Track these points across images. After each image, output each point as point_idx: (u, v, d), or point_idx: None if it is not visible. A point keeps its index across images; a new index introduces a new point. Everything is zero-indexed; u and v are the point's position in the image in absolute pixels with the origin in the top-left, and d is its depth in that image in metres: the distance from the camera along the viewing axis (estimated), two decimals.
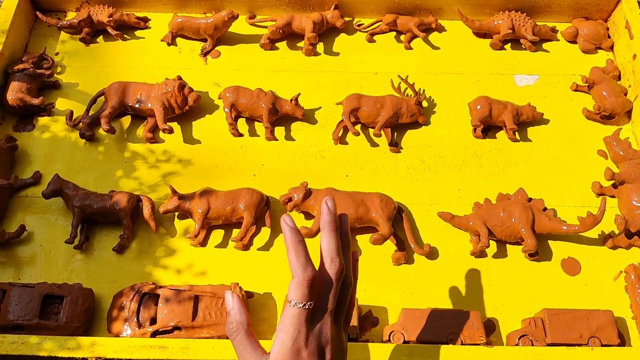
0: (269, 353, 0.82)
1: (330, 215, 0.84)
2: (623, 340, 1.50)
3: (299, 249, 0.81)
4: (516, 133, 1.87)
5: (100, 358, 1.40)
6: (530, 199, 1.73)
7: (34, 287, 1.51)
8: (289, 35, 2.04)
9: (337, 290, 0.83)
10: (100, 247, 1.67)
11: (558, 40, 2.10)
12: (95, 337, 1.42)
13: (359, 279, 1.62)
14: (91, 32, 2.03)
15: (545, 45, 2.08)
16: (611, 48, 2.06)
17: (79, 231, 1.65)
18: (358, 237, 1.70)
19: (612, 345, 1.46)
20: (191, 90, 1.84)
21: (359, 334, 1.46)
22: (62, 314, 1.48)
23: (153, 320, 1.49)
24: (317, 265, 0.89)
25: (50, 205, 1.72)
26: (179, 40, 2.06)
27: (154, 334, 1.47)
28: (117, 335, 1.49)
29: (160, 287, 1.54)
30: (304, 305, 0.80)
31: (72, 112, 1.85)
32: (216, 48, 2.04)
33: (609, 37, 2.07)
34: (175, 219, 1.72)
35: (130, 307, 1.51)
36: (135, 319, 1.49)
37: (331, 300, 0.83)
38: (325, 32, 2.05)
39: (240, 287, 1.53)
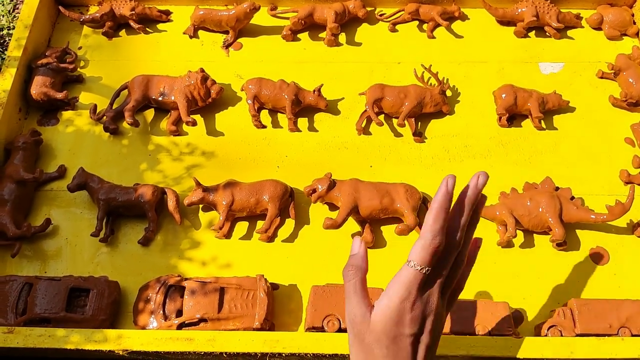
0: (374, 306, 0.82)
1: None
2: None
3: (440, 215, 0.77)
4: (542, 121, 1.84)
5: (126, 350, 1.41)
6: (557, 188, 1.71)
7: (60, 280, 1.52)
8: (310, 26, 2.04)
9: (449, 265, 0.82)
10: (125, 240, 1.68)
11: (583, 27, 2.07)
12: (121, 330, 1.43)
13: (386, 270, 1.62)
14: (114, 25, 2.04)
15: (570, 33, 2.05)
16: (637, 34, 2.03)
17: (104, 224, 1.66)
18: (383, 227, 1.69)
19: None
20: (214, 82, 1.84)
21: None
22: (89, 306, 1.49)
23: (179, 313, 1.50)
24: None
25: (75, 198, 1.74)
26: (201, 32, 2.06)
27: (180, 326, 1.48)
28: (144, 328, 1.49)
29: (186, 279, 1.54)
30: (422, 269, 0.78)
31: (95, 106, 1.86)
32: (238, 40, 2.04)
33: (634, 23, 2.04)
34: (200, 211, 1.72)
35: (156, 300, 1.51)
36: (161, 311, 1.50)
37: (444, 273, 0.82)
38: (347, 23, 2.04)
39: (265, 279, 1.53)
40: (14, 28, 2.47)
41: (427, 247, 0.77)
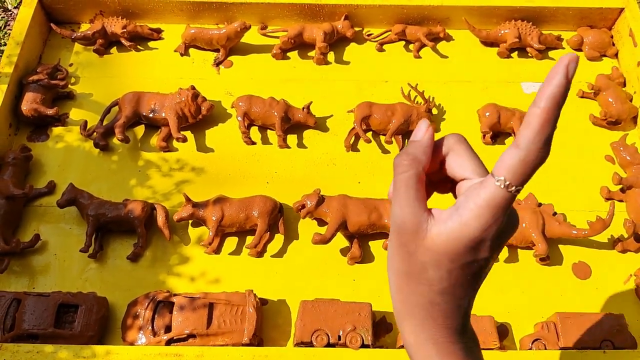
0: (433, 216, 0.61)
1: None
2: (635, 343, 1.51)
3: (552, 115, 0.53)
4: None
5: None
6: (540, 204, 1.74)
7: (48, 296, 1.52)
8: (300, 45, 2.07)
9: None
10: (114, 255, 1.68)
11: (564, 48, 2.12)
12: (110, 346, 1.43)
13: (374, 284, 1.63)
14: (105, 43, 2.05)
15: (551, 53, 2.11)
16: (616, 55, 2.09)
17: (94, 240, 1.66)
18: (371, 242, 1.71)
19: (624, 349, 1.47)
20: (204, 99, 1.86)
21: (372, 340, 1.46)
22: (77, 322, 1.49)
23: (168, 328, 1.50)
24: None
25: (65, 214, 1.74)
26: (191, 50, 2.09)
27: (168, 342, 1.48)
28: (132, 344, 1.49)
29: (175, 294, 1.54)
30: (514, 188, 0.56)
31: (86, 122, 1.87)
32: (229, 58, 2.06)
33: (613, 44, 2.10)
34: (189, 226, 1.73)
35: (145, 315, 1.51)
36: (150, 327, 1.50)
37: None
38: (336, 42, 2.08)
39: (254, 294, 1.54)
40: (5, 45, 2.48)
41: (529, 162, 0.55)
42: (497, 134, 1.91)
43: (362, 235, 1.68)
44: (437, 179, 0.70)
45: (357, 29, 2.12)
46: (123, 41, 2.04)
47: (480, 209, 0.58)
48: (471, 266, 0.60)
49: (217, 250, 1.69)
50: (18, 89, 1.90)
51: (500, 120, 1.86)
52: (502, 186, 0.56)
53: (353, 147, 1.88)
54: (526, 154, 0.55)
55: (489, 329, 1.50)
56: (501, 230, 0.60)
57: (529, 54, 2.09)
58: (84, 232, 1.66)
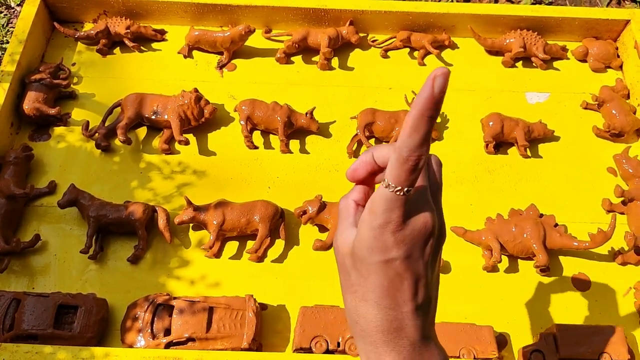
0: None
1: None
2: (633, 356, 1.51)
3: (421, 124, 0.58)
4: (527, 149, 1.89)
5: None
6: (541, 215, 1.74)
7: (48, 296, 1.52)
8: (304, 49, 2.06)
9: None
10: (114, 257, 1.68)
11: (568, 59, 2.12)
12: (108, 348, 1.42)
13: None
14: (108, 43, 2.04)
15: (556, 64, 2.11)
16: (620, 67, 2.09)
17: (94, 241, 1.66)
18: None
19: None
20: (207, 102, 1.86)
21: None
22: (76, 323, 1.49)
23: (167, 331, 1.50)
24: None
25: (65, 215, 1.73)
26: (195, 52, 2.08)
27: (167, 345, 1.48)
28: (131, 346, 1.49)
29: (175, 298, 1.54)
30: (397, 189, 0.60)
31: (88, 123, 1.87)
32: (232, 61, 2.06)
33: (618, 56, 2.10)
34: (190, 230, 1.73)
35: (145, 318, 1.51)
36: (149, 330, 1.50)
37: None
38: (340, 47, 2.07)
39: (254, 299, 1.54)
40: (7, 42, 2.47)
41: (402, 164, 0.60)
42: (500, 144, 1.91)
43: None
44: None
45: (362, 34, 2.11)
46: (126, 42, 2.04)
47: (371, 210, 0.63)
48: (388, 267, 0.63)
49: (218, 254, 1.68)
50: (20, 87, 1.89)
51: (503, 130, 1.86)
52: (385, 187, 0.61)
53: (355, 154, 1.88)
54: (398, 157, 0.60)
55: (488, 338, 1.50)
56: (406, 233, 0.64)
57: (534, 64, 2.09)
58: (85, 233, 1.66)
